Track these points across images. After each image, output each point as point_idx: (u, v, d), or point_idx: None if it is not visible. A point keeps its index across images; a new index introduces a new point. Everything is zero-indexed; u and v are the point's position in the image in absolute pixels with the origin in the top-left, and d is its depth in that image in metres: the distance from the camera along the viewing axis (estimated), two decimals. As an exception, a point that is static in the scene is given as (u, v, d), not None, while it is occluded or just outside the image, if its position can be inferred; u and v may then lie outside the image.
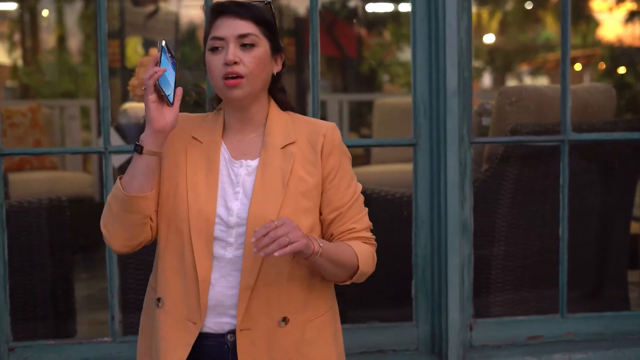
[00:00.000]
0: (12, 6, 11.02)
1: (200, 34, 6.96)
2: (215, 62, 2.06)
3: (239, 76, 2.04)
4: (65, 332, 3.76)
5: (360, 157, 7.70)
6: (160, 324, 2.08)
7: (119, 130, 4.73)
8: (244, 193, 2.06)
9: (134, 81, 3.59)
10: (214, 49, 2.06)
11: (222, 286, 2.05)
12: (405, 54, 10.93)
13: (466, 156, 3.27)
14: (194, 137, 2.12)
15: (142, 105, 4.38)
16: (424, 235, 3.32)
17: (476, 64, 15.73)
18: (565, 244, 3.40)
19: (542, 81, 15.77)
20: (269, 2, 2.15)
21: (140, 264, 3.52)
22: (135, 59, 7.51)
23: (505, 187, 3.56)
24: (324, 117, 7.04)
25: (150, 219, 2.07)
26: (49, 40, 11.95)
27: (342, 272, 2.09)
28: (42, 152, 5.29)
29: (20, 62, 11.74)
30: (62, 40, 11.68)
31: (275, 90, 2.18)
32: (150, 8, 7.15)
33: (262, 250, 1.88)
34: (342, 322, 3.84)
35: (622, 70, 10.57)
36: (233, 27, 2.05)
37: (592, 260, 3.84)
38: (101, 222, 2.10)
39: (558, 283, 3.42)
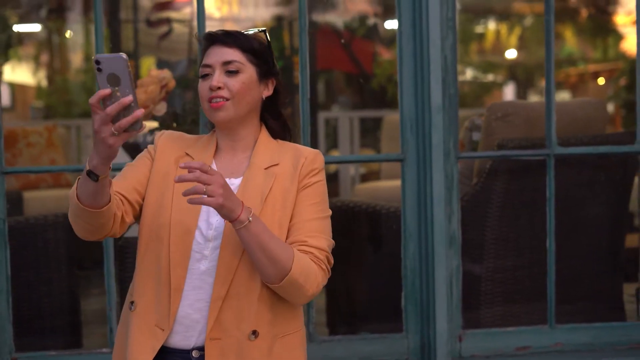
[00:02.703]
0: (36, 28, 11.23)
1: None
2: (203, 87, 2.18)
3: (222, 99, 2.15)
4: (71, 345, 3.87)
5: (374, 174, 7.80)
6: (131, 327, 2.16)
7: (124, 146, 4.85)
8: None
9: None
10: (204, 76, 2.19)
11: (193, 299, 2.12)
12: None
13: (453, 170, 3.36)
14: (186, 153, 2.23)
15: (147, 124, 4.50)
16: (412, 248, 3.40)
17: (497, 79, 15.78)
18: (553, 256, 3.47)
19: (564, 95, 15.78)
20: (264, 30, 2.26)
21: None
22: (149, 79, 7.64)
23: (493, 200, 3.64)
24: (335, 134, 7.16)
25: (116, 214, 2.09)
26: (67, 61, 12.15)
27: (270, 266, 2.07)
28: (43, 170, 5.46)
29: (43, 83, 11.95)
30: (81, 61, 11.88)
31: (267, 116, 2.27)
32: (163, 29, 7.30)
33: (180, 179, 1.97)
34: (335, 333, 3.95)
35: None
36: (219, 55, 2.17)
37: (584, 273, 3.89)
38: (68, 212, 2.13)
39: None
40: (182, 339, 2.13)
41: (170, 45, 7.36)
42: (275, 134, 2.28)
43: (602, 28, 13.63)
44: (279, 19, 8.00)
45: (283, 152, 2.23)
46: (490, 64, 15.29)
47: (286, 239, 2.16)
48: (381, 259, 3.98)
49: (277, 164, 2.20)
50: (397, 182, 5.92)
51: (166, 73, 3.80)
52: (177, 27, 7.37)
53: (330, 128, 8.47)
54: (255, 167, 2.19)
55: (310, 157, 2.21)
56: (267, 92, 2.24)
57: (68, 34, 11.67)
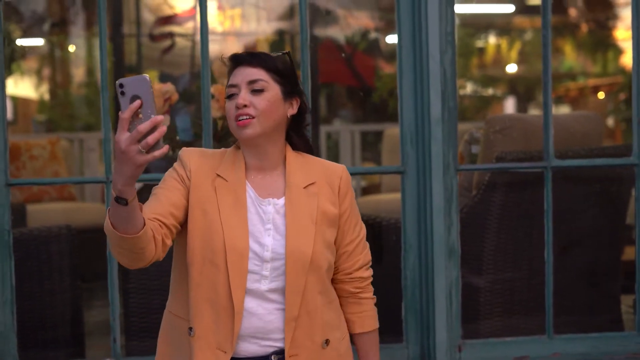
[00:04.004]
0: (39, 42, 11.30)
1: (215, 68, 7.18)
2: (229, 106, 2.27)
3: (249, 117, 2.23)
4: (74, 356, 3.91)
5: (374, 187, 7.84)
6: (193, 352, 2.23)
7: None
8: (275, 229, 2.25)
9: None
10: (230, 96, 2.27)
11: (262, 314, 2.23)
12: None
13: (452, 182, 3.40)
14: (218, 175, 2.28)
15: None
16: (412, 259, 3.44)
17: (497, 93, 15.85)
18: (551, 267, 3.51)
19: (564, 110, 15.84)
20: (288, 53, 2.35)
21: (141, 289, 3.67)
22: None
23: (492, 212, 3.68)
24: (336, 148, 7.21)
25: (155, 237, 2.14)
26: (69, 75, 12.21)
27: None
28: (47, 182, 5.53)
29: (45, 96, 12.01)
30: (83, 75, 11.94)
31: (292, 134, 2.36)
32: (166, 43, 7.36)
33: None
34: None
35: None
36: (245, 74, 2.26)
37: (582, 284, 3.93)
38: (110, 247, 2.21)
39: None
40: (260, 348, 2.25)
41: (173, 59, 7.43)
42: (295, 148, 2.37)
43: (602, 43, 13.70)
44: (280, 34, 8.07)
45: (313, 168, 2.34)
46: (491, 77, 15.35)
47: (337, 258, 2.35)
48: (381, 270, 4.01)
49: (313, 183, 2.31)
50: (398, 195, 6.00)
51: (169, 87, 3.86)
52: (179, 41, 7.44)
53: (331, 141, 8.52)
54: (294, 186, 2.29)
55: (344, 177, 2.35)
56: (292, 110, 2.32)
57: (71, 47, 11.75)
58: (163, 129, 1.93)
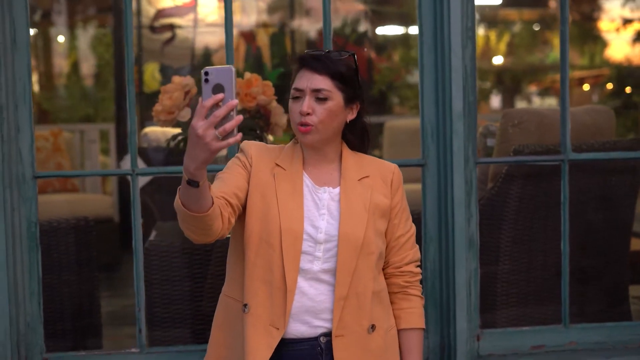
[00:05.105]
0: (30, 32, 11.27)
1: (216, 59, 7.22)
2: (294, 109, 2.37)
3: (310, 124, 2.32)
4: (101, 345, 3.96)
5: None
6: (246, 328, 2.33)
7: (139, 152, 4.95)
8: (329, 214, 2.36)
9: (157, 107, 3.80)
10: (295, 98, 2.37)
11: (313, 294, 2.33)
12: (414, 77, 11.15)
13: (472, 176, 3.47)
14: (277, 164, 2.39)
15: (162, 129, 4.60)
16: (432, 251, 3.51)
17: (485, 85, 15.93)
18: (567, 258, 3.58)
19: (551, 102, 15.91)
20: (353, 54, 2.43)
21: (164, 281, 3.72)
22: (153, 85, 7.74)
23: (509, 204, 3.75)
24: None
25: (222, 214, 2.23)
26: (66, 65, 12.20)
27: None
28: (73, 175, 5.56)
29: (36, 88, 11.98)
30: (78, 66, 11.93)
31: (348, 134, 2.45)
32: (167, 35, 7.38)
33: None
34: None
35: (629, 90, 10.73)
36: (310, 81, 2.34)
37: (594, 274, 4.01)
38: (178, 221, 2.27)
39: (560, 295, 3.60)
40: (310, 329, 2.34)
41: (174, 51, 7.45)
42: (353, 146, 2.47)
43: (586, 35, 13.81)
44: (280, 26, 8.11)
45: (366, 164, 2.45)
46: (478, 70, 15.43)
47: (388, 251, 2.46)
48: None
49: (367, 176, 2.41)
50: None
51: (189, 80, 3.89)
52: (180, 33, 7.46)
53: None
54: (348, 178, 2.39)
55: (397, 172, 2.47)
56: (352, 116, 2.42)
57: (60, 39, 11.72)
58: (240, 117, 2.00)
